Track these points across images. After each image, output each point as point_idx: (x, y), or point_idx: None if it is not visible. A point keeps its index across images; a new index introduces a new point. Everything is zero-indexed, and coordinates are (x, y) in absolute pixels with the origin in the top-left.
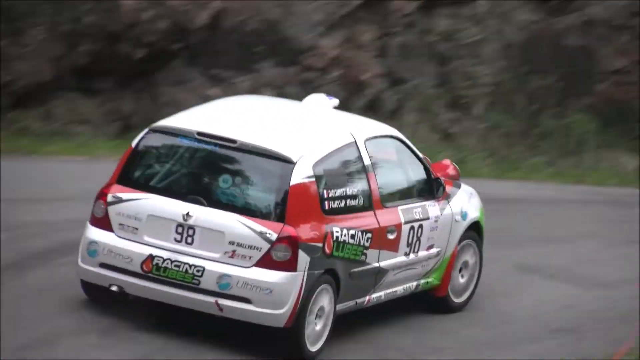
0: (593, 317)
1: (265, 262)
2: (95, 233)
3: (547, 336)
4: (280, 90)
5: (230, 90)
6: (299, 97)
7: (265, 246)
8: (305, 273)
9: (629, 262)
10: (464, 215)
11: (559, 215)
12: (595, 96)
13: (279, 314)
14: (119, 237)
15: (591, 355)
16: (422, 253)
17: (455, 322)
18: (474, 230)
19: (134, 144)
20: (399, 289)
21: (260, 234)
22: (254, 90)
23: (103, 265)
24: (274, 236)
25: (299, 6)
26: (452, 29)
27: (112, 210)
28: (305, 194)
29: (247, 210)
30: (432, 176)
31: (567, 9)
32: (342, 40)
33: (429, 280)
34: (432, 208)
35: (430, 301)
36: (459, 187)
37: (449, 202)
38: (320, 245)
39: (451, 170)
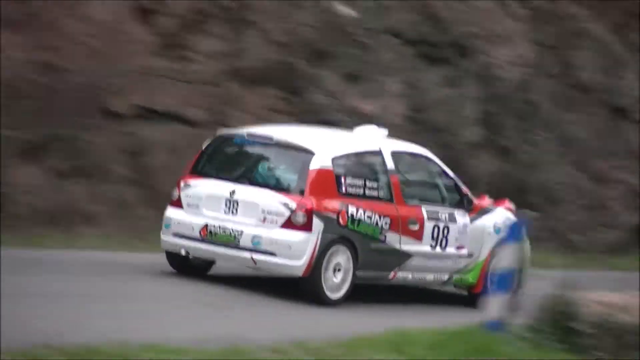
0: None
1: (287, 225)
2: (171, 211)
3: None
4: None
5: None
6: None
7: (287, 213)
8: (320, 235)
9: None
10: (496, 230)
11: None
12: None
13: (298, 265)
14: (187, 212)
15: None
16: (451, 250)
17: None
18: None
19: (203, 147)
20: (429, 276)
21: (284, 204)
22: None
23: (175, 235)
24: (293, 205)
25: None
26: None
27: (183, 193)
28: (322, 177)
29: (276, 187)
30: (463, 192)
31: None
32: None
33: (464, 277)
34: (461, 217)
35: (471, 296)
36: (493, 209)
37: (481, 217)
38: (335, 216)
39: (507, 205)
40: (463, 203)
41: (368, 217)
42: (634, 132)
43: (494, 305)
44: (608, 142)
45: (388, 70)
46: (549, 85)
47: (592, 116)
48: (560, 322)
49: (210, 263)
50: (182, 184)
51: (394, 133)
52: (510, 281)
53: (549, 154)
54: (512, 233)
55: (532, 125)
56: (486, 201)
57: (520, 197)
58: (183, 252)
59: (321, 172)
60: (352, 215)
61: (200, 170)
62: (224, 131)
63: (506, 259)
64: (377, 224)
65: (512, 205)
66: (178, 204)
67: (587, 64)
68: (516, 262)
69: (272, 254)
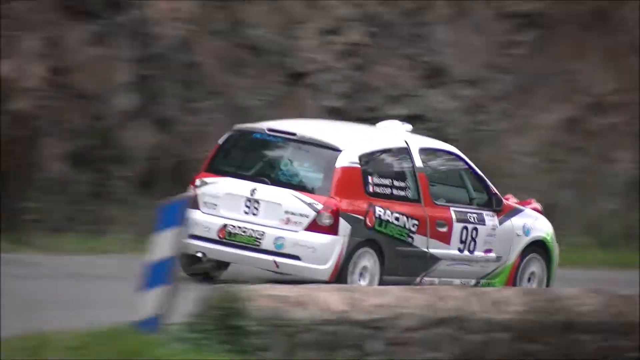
0: None
1: (312, 226)
2: None
3: None
4: None
5: None
6: None
7: (312, 214)
8: (347, 238)
9: None
10: (526, 232)
11: None
12: None
13: (324, 269)
14: (203, 212)
15: None
16: (479, 254)
17: None
18: (541, 247)
19: (220, 142)
20: (456, 281)
21: (309, 204)
22: None
23: (191, 236)
24: (319, 206)
25: None
26: None
27: (199, 192)
28: (349, 175)
29: (300, 186)
30: (492, 192)
31: None
32: None
33: (491, 282)
34: (490, 218)
35: None
36: (523, 210)
37: (510, 218)
38: (362, 217)
39: (533, 205)
40: (492, 203)
41: (396, 218)
42: (312, 100)
43: (148, 301)
44: (282, 110)
45: (23, 24)
46: (215, 45)
47: (264, 81)
48: (224, 320)
49: (221, 267)
50: (197, 182)
51: (32, 100)
52: (167, 273)
53: (215, 124)
54: (170, 217)
55: (195, 91)
56: (512, 200)
57: (181, 173)
58: (200, 255)
59: (348, 170)
60: (379, 217)
61: (218, 167)
62: (241, 126)
63: (162, 248)
64: (404, 225)
65: (538, 205)
66: (193, 203)
67: (259, 21)
68: (174, 250)
69: (296, 257)
